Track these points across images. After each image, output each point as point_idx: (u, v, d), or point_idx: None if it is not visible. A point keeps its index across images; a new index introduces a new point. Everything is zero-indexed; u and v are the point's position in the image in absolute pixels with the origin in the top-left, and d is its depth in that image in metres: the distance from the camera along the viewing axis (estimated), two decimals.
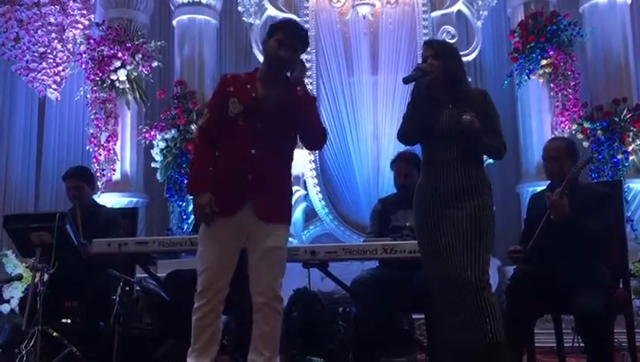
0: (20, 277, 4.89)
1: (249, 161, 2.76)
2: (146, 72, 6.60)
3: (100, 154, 6.46)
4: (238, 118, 2.80)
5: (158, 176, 6.39)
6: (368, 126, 6.49)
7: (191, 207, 5.84)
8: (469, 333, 2.52)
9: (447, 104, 2.74)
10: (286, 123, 2.82)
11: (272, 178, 2.80)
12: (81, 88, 6.81)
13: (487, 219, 2.65)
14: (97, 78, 6.50)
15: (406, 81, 2.75)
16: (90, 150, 6.56)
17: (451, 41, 5.91)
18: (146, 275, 4.10)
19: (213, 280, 2.76)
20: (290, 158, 2.95)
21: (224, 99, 2.85)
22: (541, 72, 6.17)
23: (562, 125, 6.07)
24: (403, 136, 2.86)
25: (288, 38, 2.83)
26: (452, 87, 2.77)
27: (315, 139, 2.99)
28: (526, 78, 6.21)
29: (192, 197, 3.14)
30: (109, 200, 6.17)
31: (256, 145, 2.76)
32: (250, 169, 2.76)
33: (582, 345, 3.15)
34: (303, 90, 2.85)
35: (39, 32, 6.76)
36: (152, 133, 6.37)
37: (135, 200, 6.51)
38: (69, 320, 3.87)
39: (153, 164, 6.43)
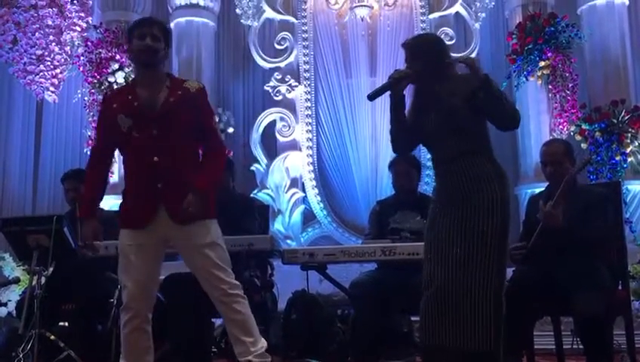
0: (17, 281, 4.88)
1: (154, 170, 2.71)
2: None
3: None
4: (132, 130, 2.74)
5: None
6: (366, 128, 6.48)
7: None
8: (464, 338, 2.50)
9: (436, 99, 2.68)
10: (181, 123, 2.74)
11: (184, 180, 2.71)
12: (79, 91, 6.81)
13: (497, 215, 2.55)
14: (95, 81, 6.50)
15: (371, 97, 2.68)
16: (88, 152, 6.54)
17: (449, 43, 5.93)
18: None
19: (140, 292, 2.71)
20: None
21: (111, 117, 2.79)
22: (539, 73, 6.17)
23: (560, 127, 6.08)
24: (397, 148, 2.89)
25: (143, 27, 2.79)
26: (437, 81, 2.69)
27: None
28: (524, 79, 6.21)
29: None
30: (107, 203, 6.12)
31: (157, 153, 2.70)
32: (158, 177, 2.71)
33: (581, 346, 3.15)
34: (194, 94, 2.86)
35: (37, 34, 6.76)
36: None
37: None
38: (66, 324, 3.85)
39: None
